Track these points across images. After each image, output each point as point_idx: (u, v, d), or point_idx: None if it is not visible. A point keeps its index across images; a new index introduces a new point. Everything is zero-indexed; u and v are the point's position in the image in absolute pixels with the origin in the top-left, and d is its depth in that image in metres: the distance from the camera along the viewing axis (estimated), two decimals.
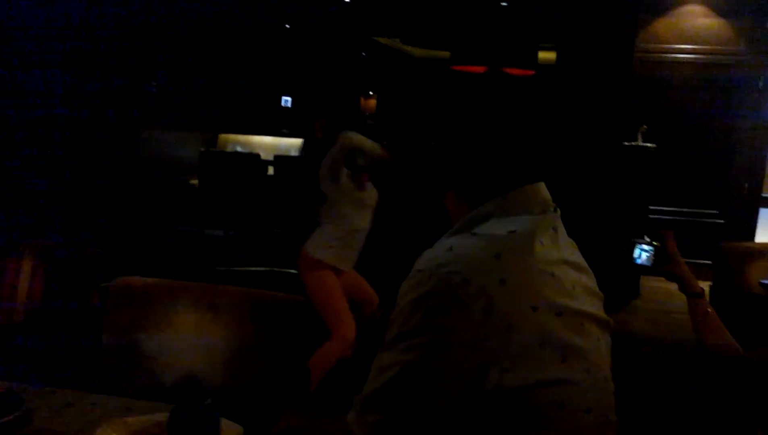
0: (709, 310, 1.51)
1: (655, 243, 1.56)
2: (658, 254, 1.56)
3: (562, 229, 1.03)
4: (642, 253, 1.57)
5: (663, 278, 1.60)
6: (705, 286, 2.79)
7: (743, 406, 1.24)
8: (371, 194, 3.04)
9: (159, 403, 1.15)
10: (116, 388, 1.46)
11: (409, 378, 0.87)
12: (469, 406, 0.87)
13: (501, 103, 1.04)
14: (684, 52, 5.88)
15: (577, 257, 1.04)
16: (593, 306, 1.01)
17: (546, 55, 6.11)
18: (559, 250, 0.98)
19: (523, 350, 0.87)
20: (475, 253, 0.90)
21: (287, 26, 8.51)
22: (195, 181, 6.58)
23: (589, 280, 1.04)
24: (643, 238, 1.58)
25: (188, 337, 1.53)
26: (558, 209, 1.04)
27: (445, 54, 9.13)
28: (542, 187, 1.04)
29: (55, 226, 4.60)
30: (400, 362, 0.87)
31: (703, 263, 4.59)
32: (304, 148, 6.46)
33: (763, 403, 1.21)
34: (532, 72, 5.91)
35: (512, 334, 0.87)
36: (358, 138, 2.93)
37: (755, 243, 5.03)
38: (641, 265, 1.57)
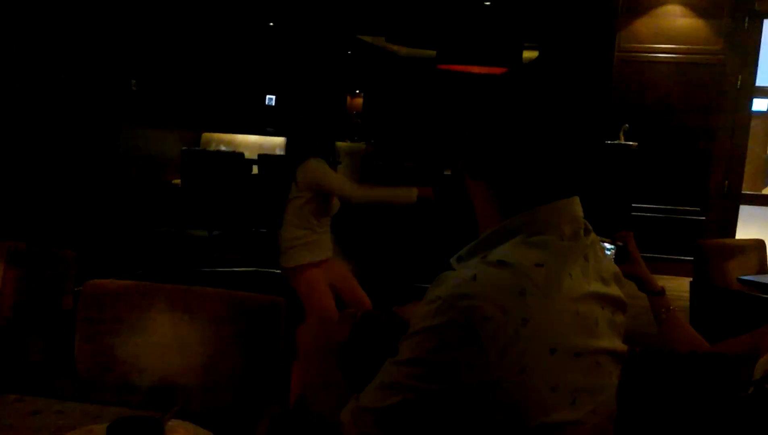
0: (672, 307, 1.54)
1: (618, 243, 1.59)
2: (618, 254, 1.58)
3: (594, 254, 0.96)
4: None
5: None
6: (685, 282, 2.82)
7: (709, 400, 1.24)
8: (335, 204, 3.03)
9: (130, 409, 1.14)
10: (90, 394, 1.44)
11: (413, 404, 0.85)
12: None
13: (557, 101, 0.97)
14: (664, 51, 5.92)
15: (606, 284, 0.98)
16: (613, 338, 0.96)
17: (528, 55, 6.13)
18: (587, 283, 0.92)
19: (533, 393, 0.84)
20: (499, 287, 0.85)
21: (271, 24, 8.47)
22: (177, 181, 6.52)
23: (615, 310, 0.98)
24: (605, 238, 1.60)
25: (164, 340, 1.51)
26: (590, 227, 0.98)
27: (431, 53, 9.15)
28: (576, 203, 0.97)
29: (31, 226, 4.54)
30: (407, 387, 0.85)
31: (684, 259, 4.63)
32: (287, 146, 6.43)
33: (729, 398, 1.21)
34: None
35: (525, 376, 0.83)
36: (322, 174, 2.86)
37: (734, 239, 5.08)
38: None
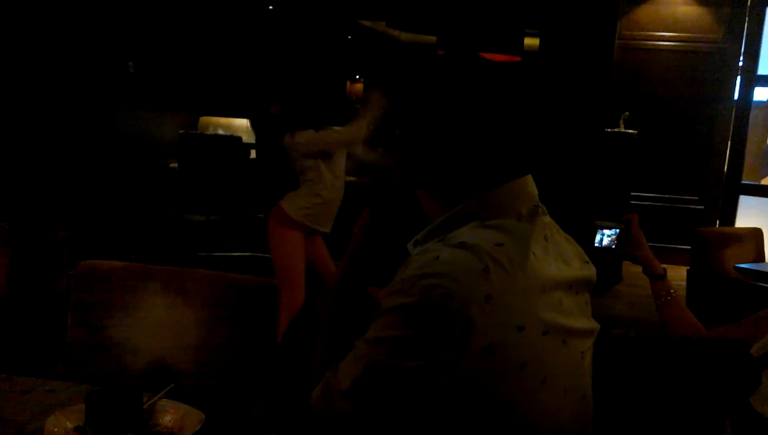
0: (672, 291, 1.54)
1: (619, 225, 1.58)
2: (621, 237, 1.58)
3: (552, 235, 0.96)
4: (603, 238, 1.59)
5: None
6: (683, 270, 2.82)
7: (707, 386, 1.24)
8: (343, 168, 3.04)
9: None
10: (82, 375, 1.43)
11: (381, 381, 0.86)
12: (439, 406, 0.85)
13: (478, 83, 0.94)
14: (665, 39, 5.89)
15: (568, 263, 0.97)
16: (580, 318, 0.96)
17: (530, 42, 6.09)
18: (548, 263, 0.92)
19: (501, 371, 0.84)
20: (461, 266, 0.84)
21: (270, 7, 8.40)
22: (174, 165, 6.49)
23: (579, 289, 0.97)
24: (607, 222, 1.59)
25: (157, 322, 1.50)
26: (544, 208, 0.97)
27: (432, 38, 9.09)
28: (529, 182, 0.95)
29: (26, 208, 4.52)
30: (374, 363, 0.86)
31: (682, 248, 4.62)
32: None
33: (726, 382, 1.21)
34: (518, 58, 5.91)
35: (492, 354, 0.83)
36: (315, 137, 2.88)
37: (732, 228, 5.08)
38: (602, 249, 1.58)
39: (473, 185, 0.93)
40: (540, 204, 0.96)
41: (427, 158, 0.95)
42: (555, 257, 0.94)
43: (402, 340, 0.84)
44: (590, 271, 1.01)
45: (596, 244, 1.58)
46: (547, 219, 0.97)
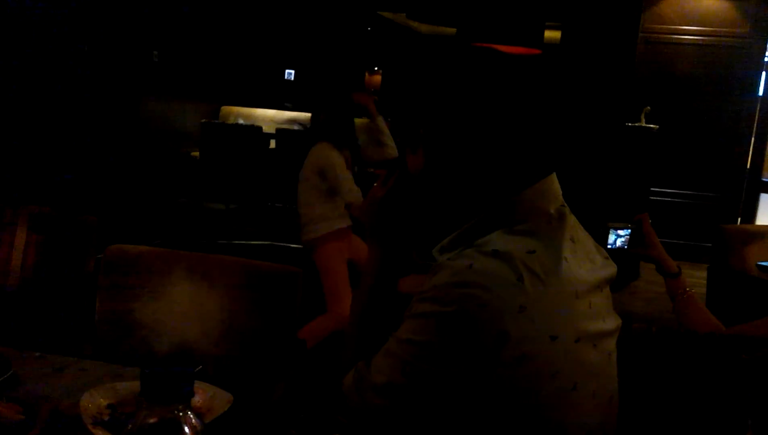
0: (688, 289, 1.53)
1: (631, 226, 1.57)
2: (634, 237, 1.57)
3: (577, 235, 0.94)
4: (617, 239, 1.58)
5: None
6: (703, 267, 2.80)
7: (729, 383, 1.24)
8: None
9: None
10: (109, 356, 1.47)
11: (412, 380, 0.86)
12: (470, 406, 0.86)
13: (506, 79, 0.91)
14: (689, 33, 5.82)
15: (593, 262, 0.95)
16: (607, 317, 0.95)
17: (551, 35, 6.04)
18: (579, 265, 0.90)
19: (533, 380, 0.84)
20: (495, 275, 0.83)
21: None
22: (196, 153, 6.55)
23: (604, 286, 0.96)
24: (619, 223, 1.58)
25: (182, 306, 1.53)
26: (566, 207, 0.94)
27: (452, 30, 9.04)
28: (554, 180, 0.93)
29: (53, 193, 4.60)
30: (406, 363, 0.86)
31: (703, 245, 4.58)
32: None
33: (748, 380, 1.21)
34: (538, 51, 5.86)
35: (524, 365, 0.83)
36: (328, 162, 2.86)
37: (753, 225, 5.03)
38: (615, 249, 1.57)
39: (501, 187, 0.90)
40: (564, 203, 0.95)
41: (454, 158, 0.92)
42: (583, 258, 0.93)
43: (433, 346, 0.84)
44: (612, 266, 1.00)
45: (609, 245, 1.57)
46: (572, 218, 0.95)
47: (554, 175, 0.94)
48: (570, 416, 0.88)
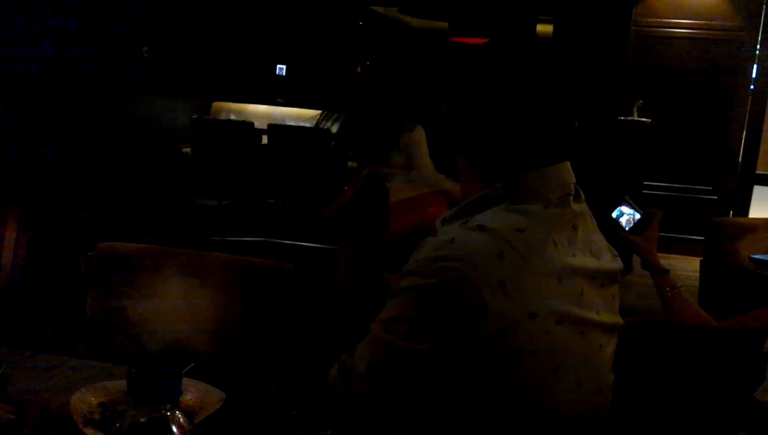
0: (676, 286, 1.53)
1: (643, 212, 1.57)
2: (640, 223, 1.57)
3: (584, 225, 0.95)
4: (623, 214, 1.57)
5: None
6: (695, 261, 2.80)
7: (721, 376, 1.24)
8: None
9: None
10: (100, 354, 1.46)
11: (394, 362, 0.86)
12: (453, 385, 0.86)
13: (528, 65, 0.94)
14: (681, 26, 5.83)
15: (597, 256, 0.96)
16: (603, 311, 0.95)
17: (543, 28, 6.04)
18: (573, 253, 0.91)
19: (512, 356, 0.85)
20: (476, 249, 0.84)
21: None
22: (187, 149, 6.52)
23: (605, 282, 0.97)
24: (635, 204, 1.58)
25: (174, 303, 1.52)
26: (581, 194, 0.96)
27: (444, 25, 9.04)
28: (566, 169, 0.95)
29: (42, 190, 4.57)
30: (389, 345, 0.87)
31: (695, 239, 4.60)
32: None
33: (737, 373, 1.21)
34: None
35: (504, 340, 0.84)
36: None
37: (747, 218, 5.05)
38: (614, 221, 1.57)
39: (509, 165, 0.93)
40: (576, 191, 0.95)
41: (470, 131, 0.95)
42: (582, 247, 0.93)
43: (414, 320, 0.85)
44: (618, 264, 1.01)
45: (612, 215, 1.57)
46: (580, 207, 0.96)
47: (567, 165, 0.95)
48: (552, 401, 0.88)
